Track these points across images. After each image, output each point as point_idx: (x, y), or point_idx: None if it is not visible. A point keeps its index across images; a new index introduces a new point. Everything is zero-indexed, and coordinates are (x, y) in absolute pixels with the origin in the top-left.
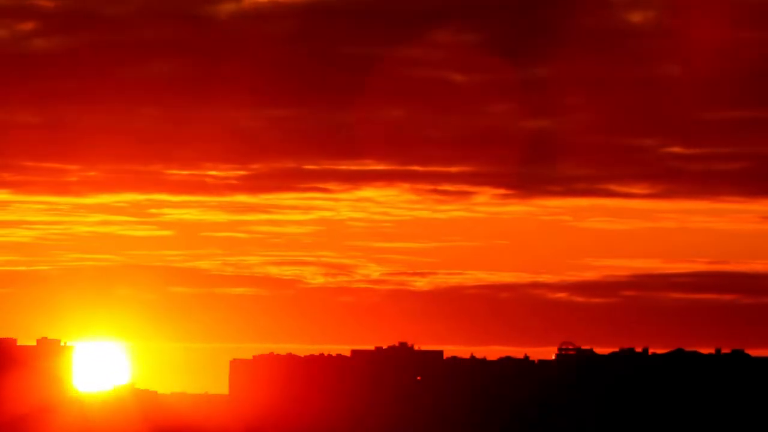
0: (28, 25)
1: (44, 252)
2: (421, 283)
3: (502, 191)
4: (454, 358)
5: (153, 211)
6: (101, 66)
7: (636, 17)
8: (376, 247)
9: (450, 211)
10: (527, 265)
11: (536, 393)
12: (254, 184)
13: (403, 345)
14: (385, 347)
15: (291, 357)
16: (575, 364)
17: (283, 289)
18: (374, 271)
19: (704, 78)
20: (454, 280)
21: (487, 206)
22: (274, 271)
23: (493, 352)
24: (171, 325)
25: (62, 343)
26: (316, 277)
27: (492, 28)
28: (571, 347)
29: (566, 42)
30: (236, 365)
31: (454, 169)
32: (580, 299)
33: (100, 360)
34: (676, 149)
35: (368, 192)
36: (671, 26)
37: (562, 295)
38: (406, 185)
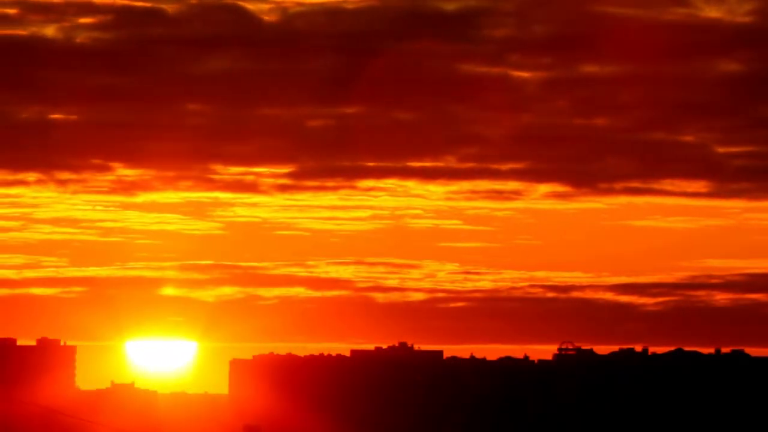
0: (80, 21)
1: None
2: (481, 283)
3: (557, 189)
4: (454, 358)
5: (207, 210)
6: (153, 64)
7: (698, 11)
8: (436, 247)
9: (504, 210)
10: (580, 264)
11: (536, 393)
12: (309, 183)
13: (403, 345)
14: (385, 347)
15: (291, 357)
16: (575, 364)
17: (336, 289)
18: (435, 271)
19: (764, 74)
20: (510, 276)
21: (542, 204)
22: (330, 270)
23: (493, 351)
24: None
25: (62, 343)
26: (365, 277)
27: (544, 25)
28: (571, 347)
29: (621, 37)
30: (236, 365)
31: (508, 166)
32: (627, 299)
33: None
34: (734, 147)
35: (424, 189)
36: (731, 22)
37: (609, 295)
38: (464, 183)
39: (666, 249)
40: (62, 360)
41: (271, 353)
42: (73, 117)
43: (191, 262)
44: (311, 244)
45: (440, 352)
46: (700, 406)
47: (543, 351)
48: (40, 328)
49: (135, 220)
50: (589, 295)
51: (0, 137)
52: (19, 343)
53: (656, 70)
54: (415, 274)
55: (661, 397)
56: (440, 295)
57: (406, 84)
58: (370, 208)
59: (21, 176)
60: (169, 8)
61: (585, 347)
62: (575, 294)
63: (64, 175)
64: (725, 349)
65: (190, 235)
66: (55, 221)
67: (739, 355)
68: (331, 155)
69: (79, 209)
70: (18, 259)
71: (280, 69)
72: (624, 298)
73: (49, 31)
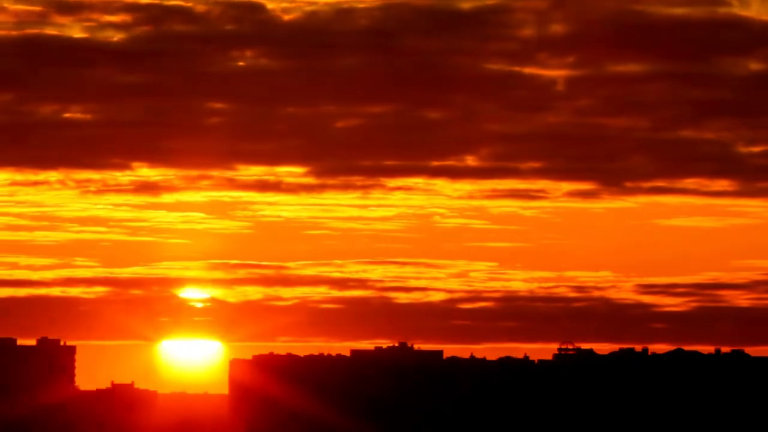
0: (104, 20)
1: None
2: (507, 283)
3: (582, 188)
4: (454, 358)
5: (232, 209)
6: (179, 62)
7: (726, 10)
8: (462, 246)
9: (529, 209)
10: (604, 263)
11: (536, 393)
12: (333, 181)
13: (403, 345)
14: (385, 347)
15: (291, 357)
16: (575, 364)
17: (358, 289)
18: (459, 271)
19: None
20: (534, 276)
21: (567, 203)
22: (356, 269)
23: (493, 351)
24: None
25: (62, 343)
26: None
27: (569, 24)
28: (570, 347)
29: (646, 36)
30: (236, 365)
31: (533, 165)
32: (651, 299)
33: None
34: (760, 146)
35: (448, 188)
36: (756, 20)
37: (633, 295)
38: (488, 182)
39: (691, 248)
40: (62, 360)
41: (271, 353)
42: (97, 116)
43: (217, 261)
44: (336, 243)
45: (440, 352)
46: (700, 406)
47: (543, 351)
48: (57, 328)
49: (160, 219)
50: (612, 294)
51: (23, 136)
52: (19, 343)
53: (681, 69)
54: (439, 273)
55: (660, 397)
56: (459, 295)
57: (430, 83)
58: (395, 206)
59: (43, 176)
60: (191, 6)
61: (585, 347)
62: (598, 294)
63: (87, 175)
64: (725, 349)
65: (215, 235)
66: (81, 221)
67: (739, 355)
68: (355, 154)
69: (102, 209)
70: (46, 260)
71: (303, 68)
72: (647, 298)
73: (74, 30)
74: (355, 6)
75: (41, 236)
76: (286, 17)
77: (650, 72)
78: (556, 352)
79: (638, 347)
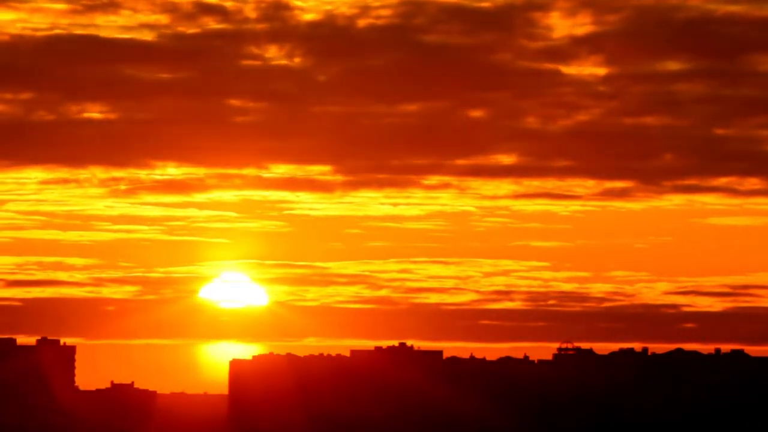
0: (136, 19)
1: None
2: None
3: (613, 187)
4: (454, 358)
5: (263, 208)
6: (209, 61)
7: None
8: (492, 246)
9: (562, 208)
10: (644, 264)
11: (536, 393)
12: (364, 180)
13: (402, 345)
14: (384, 347)
15: (291, 357)
16: (575, 364)
17: (387, 289)
18: (487, 272)
19: None
20: (568, 276)
21: (601, 202)
22: (390, 268)
23: (493, 351)
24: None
25: (62, 343)
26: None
27: (602, 22)
28: (570, 347)
29: (684, 35)
30: (236, 365)
31: (567, 163)
32: (685, 300)
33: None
34: None
35: (482, 187)
36: None
37: (667, 296)
38: (523, 180)
39: (724, 247)
40: (62, 360)
41: (271, 353)
42: (126, 115)
43: (250, 261)
44: (369, 242)
45: (440, 352)
46: (700, 406)
47: (543, 351)
48: (71, 328)
49: (194, 217)
50: (646, 295)
51: (53, 135)
52: (19, 342)
53: (716, 68)
54: (474, 273)
55: (660, 397)
56: (487, 297)
57: (464, 81)
58: (428, 205)
59: (73, 174)
60: (222, 4)
61: (585, 347)
62: (630, 293)
63: (117, 174)
64: (725, 349)
65: (248, 234)
66: (112, 219)
67: (739, 354)
68: (387, 153)
69: (130, 208)
70: (80, 260)
71: (334, 66)
72: (681, 299)
73: (105, 29)
74: (384, 3)
75: (75, 236)
76: (316, 16)
77: (686, 70)
78: (556, 352)
79: (639, 347)
